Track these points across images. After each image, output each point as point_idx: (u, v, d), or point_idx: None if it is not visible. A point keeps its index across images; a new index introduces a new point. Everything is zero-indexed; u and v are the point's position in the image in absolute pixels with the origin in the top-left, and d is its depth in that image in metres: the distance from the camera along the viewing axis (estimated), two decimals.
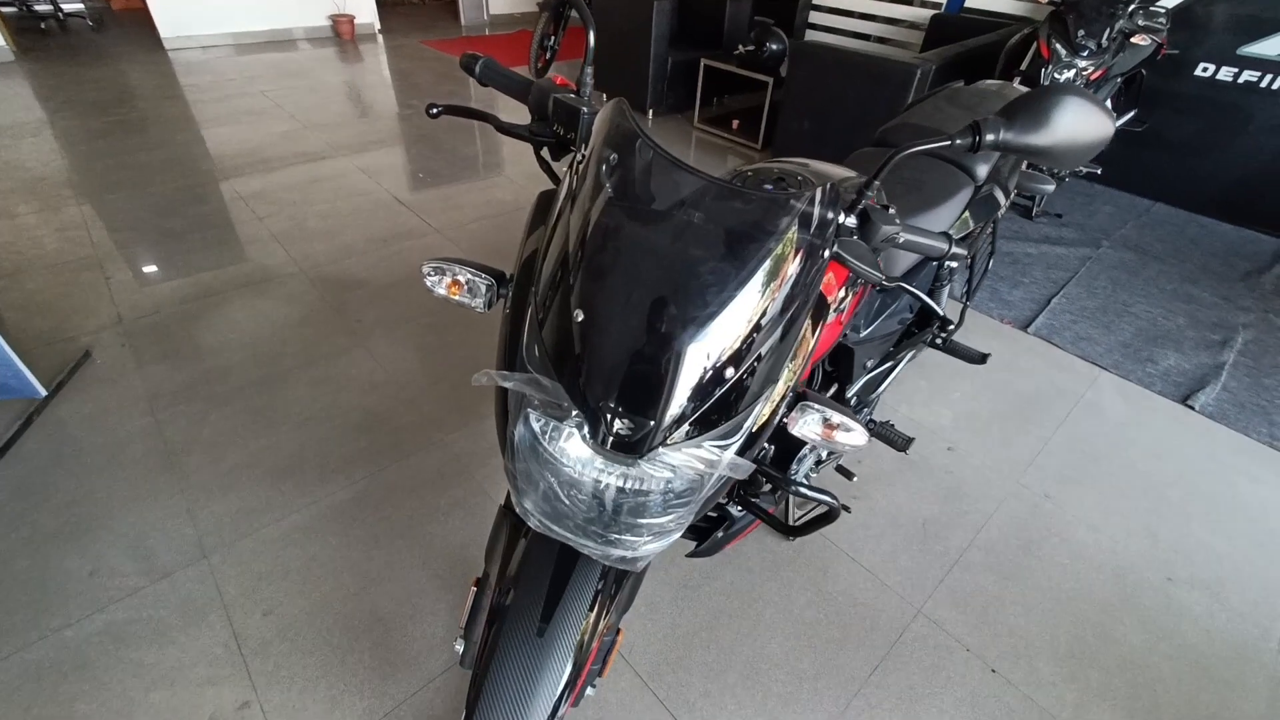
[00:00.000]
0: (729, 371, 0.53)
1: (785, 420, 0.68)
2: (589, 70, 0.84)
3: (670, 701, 1.24)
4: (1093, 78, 2.50)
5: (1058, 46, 2.40)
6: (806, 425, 0.69)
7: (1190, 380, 2.22)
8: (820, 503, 0.94)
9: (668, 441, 0.52)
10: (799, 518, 1.59)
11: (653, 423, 0.51)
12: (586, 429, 0.52)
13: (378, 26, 6.51)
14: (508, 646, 0.70)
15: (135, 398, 1.86)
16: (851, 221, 0.67)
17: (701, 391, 0.52)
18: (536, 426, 0.55)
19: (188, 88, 4.48)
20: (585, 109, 0.75)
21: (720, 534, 1.16)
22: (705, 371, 0.52)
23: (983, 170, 1.34)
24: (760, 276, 0.54)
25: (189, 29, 5.45)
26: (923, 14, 4.23)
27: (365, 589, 1.40)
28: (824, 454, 1.38)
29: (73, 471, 1.62)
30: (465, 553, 1.49)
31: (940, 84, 2.83)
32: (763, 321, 0.54)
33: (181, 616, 1.33)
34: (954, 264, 1.40)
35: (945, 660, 1.35)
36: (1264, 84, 3.05)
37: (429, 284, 0.77)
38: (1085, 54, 2.38)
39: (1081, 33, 2.36)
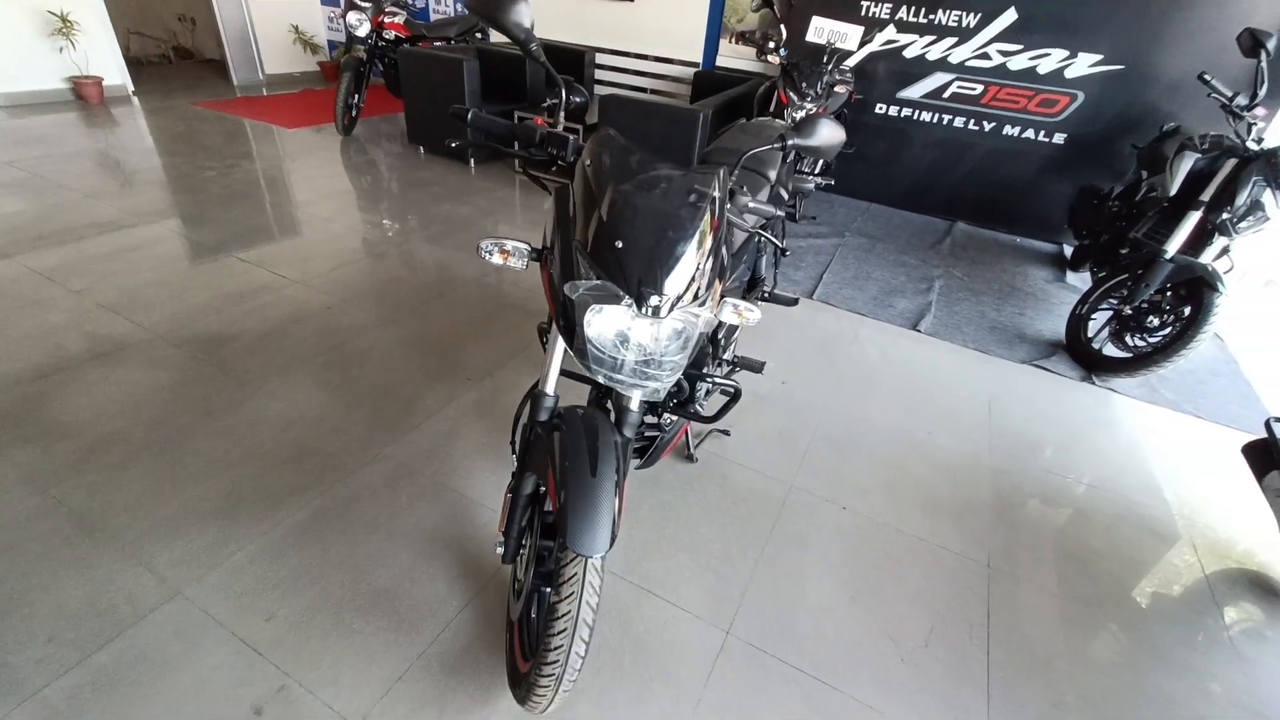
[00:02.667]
0: (705, 264, 0.97)
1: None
2: (562, 114, 1.23)
3: (645, 583, 1.61)
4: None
5: (792, 95, 3.34)
6: (729, 312, 1.15)
7: (915, 314, 3.20)
8: (725, 390, 1.43)
9: (676, 307, 0.93)
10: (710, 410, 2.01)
11: (668, 296, 0.92)
12: (634, 307, 0.92)
13: (131, 88, 5.90)
14: (576, 486, 1.03)
15: (12, 480, 1.70)
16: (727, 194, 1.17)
17: (690, 278, 0.95)
18: (602, 314, 0.93)
19: None
20: (572, 136, 1.15)
21: (657, 443, 1.58)
22: (690, 266, 0.95)
23: (773, 175, 1.98)
24: (705, 218, 0.99)
25: None
26: (687, 71, 5.24)
27: (358, 578, 1.55)
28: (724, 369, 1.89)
29: None
30: (445, 532, 1.70)
31: (716, 123, 3.66)
32: (707, 243, 0.99)
33: (180, 643, 1.35)
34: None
35: (815, 510, 1.91)
36: (916, 116, 4.44)
37: (485, 254, 1.09)
38: (809, 99, 3.35)
39: (804, 85, 3.33)
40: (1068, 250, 4.27)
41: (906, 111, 4.46)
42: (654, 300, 0.92)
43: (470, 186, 4.37)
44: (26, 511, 1.62)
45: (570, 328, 0.98)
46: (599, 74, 5.77)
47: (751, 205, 1.29)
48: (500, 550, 1.26)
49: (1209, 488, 2.22)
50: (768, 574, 1.69)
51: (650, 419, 1.58)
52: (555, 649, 1.04)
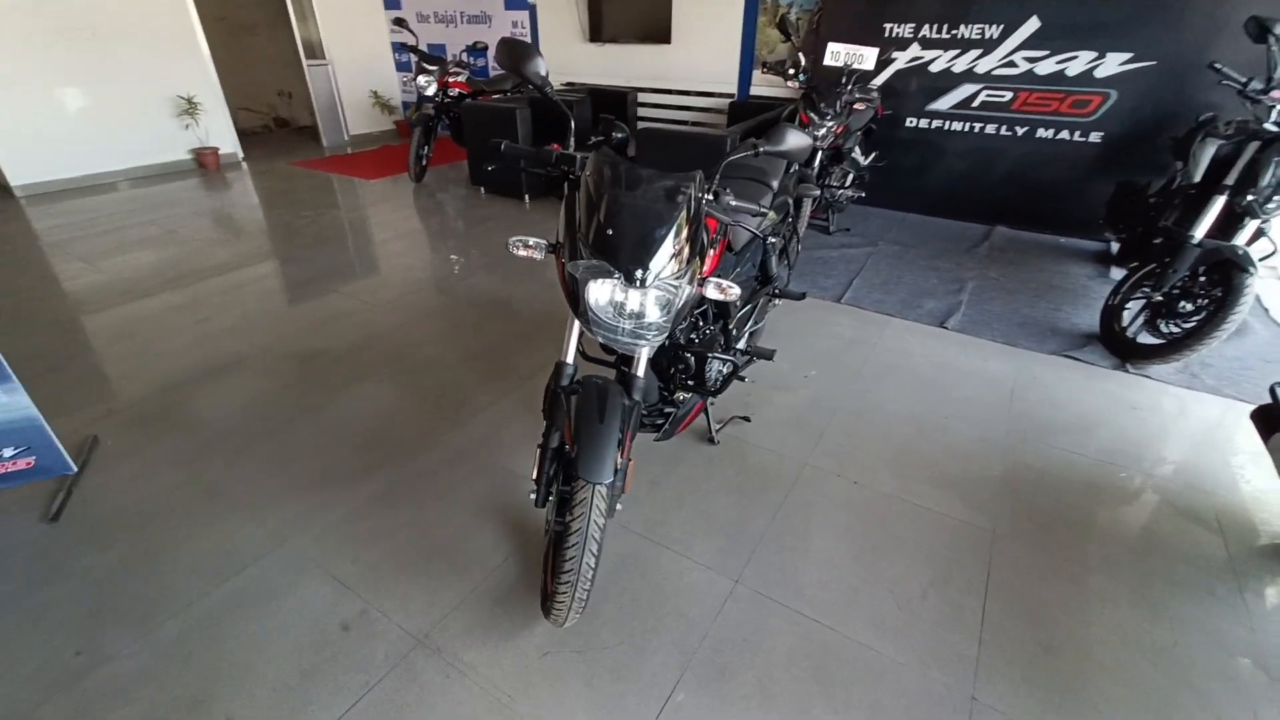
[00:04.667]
0: (681, 249, 1.23)
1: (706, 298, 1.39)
2: (572, 141, 1.53)
3: (662, 541, 1.83)
4: (838, 132, 3.71)
5: (812, 115, 3.57)
6: (712, 289, 1.39)
7: (943, 313, 3.29)
8: (724, 366, 1.66)
9: (656, 280, 1.19)
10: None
11: (649, 270, 1.18)
12: (623, 279, 1.18)
13: (240, 155, 6.84)
14: (585, 429, 1.28)
15: (162, 461, 2.14)
16: (709, 194, 1.43)
17: (667, 256, 1.21)
18: (599, 286, 1.20)
19: (60, 228, 4.55)
20: (579, 155, 1.45)
21: (673, 418, 1.82)
22: (668, 248, 1.20)
23: (775, 184, 2.22)
24: (681, 212, 1.25)
25: (40, 174, 5.45)
26: (723, 101, 5.58)
27: (424, 533, 1.85)
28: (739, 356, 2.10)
29: (135, 515, 1.90)
30: (494, 500, 1.99)
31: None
32: (684, 231, 1.24)
33: (287, 577, 1.69)
34: (773, 239, 2.27)
35: (826, 484, 2.08)
36: (946, 127, 4.54)
37: (512, 249, 1.39)
38: (829, 117, 3.57)
39: (823, 105, 3.55)
40: (1114, 247, 4.21)
41: (937, 123, 4.58)
42: (638, 274, 1.19)
43: (524, 219, 4.82)
44: (174, 482, 2.04)
45: (576, 300, 1.26)
46: (642, 111, 6.20)
47: (734, 204, 1.54)
48: (533, 496, 1.53)
49: (1237, 463, 2.20)
50: (777, 536, 1.86)
51: (667, 395, 1.83)
52: (570, 560, 1.29)
